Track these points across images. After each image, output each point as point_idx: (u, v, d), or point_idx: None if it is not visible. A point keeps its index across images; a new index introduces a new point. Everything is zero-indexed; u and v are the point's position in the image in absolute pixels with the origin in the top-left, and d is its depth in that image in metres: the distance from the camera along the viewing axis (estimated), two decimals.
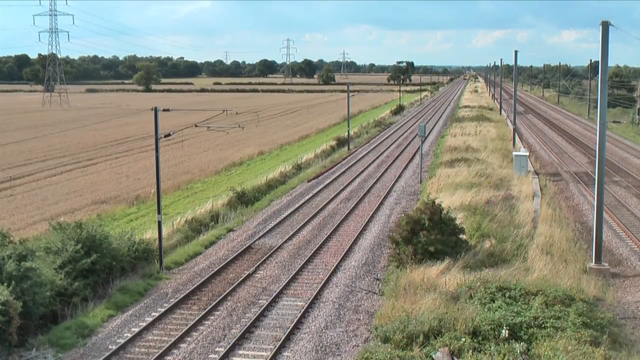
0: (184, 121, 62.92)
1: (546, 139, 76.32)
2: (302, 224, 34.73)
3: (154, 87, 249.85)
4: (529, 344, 18.03)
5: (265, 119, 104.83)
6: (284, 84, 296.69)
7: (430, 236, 25.76)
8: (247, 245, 30.84)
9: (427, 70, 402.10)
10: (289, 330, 20.68)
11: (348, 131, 70.98)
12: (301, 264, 27.54)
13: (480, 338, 18.39)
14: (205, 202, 39.15)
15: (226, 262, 28.04)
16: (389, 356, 17.49)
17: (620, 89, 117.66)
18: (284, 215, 36.90)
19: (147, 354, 19.35)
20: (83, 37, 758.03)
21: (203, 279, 25.75)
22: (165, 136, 28.88)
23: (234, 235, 33.05)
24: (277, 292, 24.25)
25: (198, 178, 51.48)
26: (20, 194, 45.17)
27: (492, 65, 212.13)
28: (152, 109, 27.48)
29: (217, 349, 19.72)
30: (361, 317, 22.03)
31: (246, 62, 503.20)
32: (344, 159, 60.16)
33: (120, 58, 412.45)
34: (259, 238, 32.26)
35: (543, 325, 18.85)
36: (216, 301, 23.33)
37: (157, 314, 22.33)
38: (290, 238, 32.17)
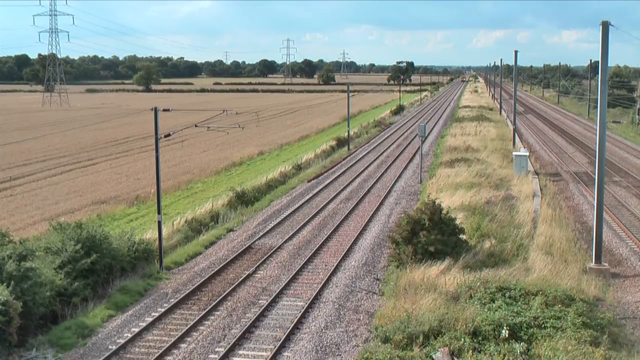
0: (184, 121, 62.96)
1: (546, 139, 76.31)
2: (302, 224, 34.72)
3: (154, 87, 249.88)
4: (529, 344, 18.02)
5: (265, 119, 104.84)
6: (284, 84, 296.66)
7: (430, 236, 25.74)
8: (247, 245, 30.84)
9: (427, 71, 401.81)
10: (289, 331, 20.68)
11: (348, 131, 70.98)
12: (301, 264, 27.54)
13: (480, 338, 18.39)
14: (205, 202, 39.15)
15: (226, 262, 28.04)
16: (389, 356, 17.49)
17: (620, 89, 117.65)
18: (284, 215, 36.90)
19: (147, 354, 19.35)
20: (83, 37, 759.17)
21: (203, 279, 25.75)
22: (165, 136, 28.87)
23: (234, 235, 33.05)
24: (277, 292, 24.25)
25: (198, 178, 51.47)
26: (20, 194, 45.16)
27: (492, 65, 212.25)
28: (152, 109, 27.48)
29: (217, 349, 19.72)
30: (361, 317, 22.02)
31: (246, 62, 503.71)
32: (344, 159, 60.16)
33: (120, 58, 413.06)
34: (259, 238, 32.26)
35: (543, 325, 18.85)
36: (216, 301, 23.33)
37: (157, 314, 22.33)
38: (290, 238, 32.17)
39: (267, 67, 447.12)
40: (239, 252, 29.64)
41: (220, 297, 23.71)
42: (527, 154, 50.18)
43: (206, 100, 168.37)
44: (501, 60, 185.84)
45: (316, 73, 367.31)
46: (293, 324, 21.20)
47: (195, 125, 36.54)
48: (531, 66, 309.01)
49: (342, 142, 69.19)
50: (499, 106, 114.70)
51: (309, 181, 48.60)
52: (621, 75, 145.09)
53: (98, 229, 25.51)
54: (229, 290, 24.48)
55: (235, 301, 23.67)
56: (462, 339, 18.20)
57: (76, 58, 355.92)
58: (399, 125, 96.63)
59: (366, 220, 35.14)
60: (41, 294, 20.33)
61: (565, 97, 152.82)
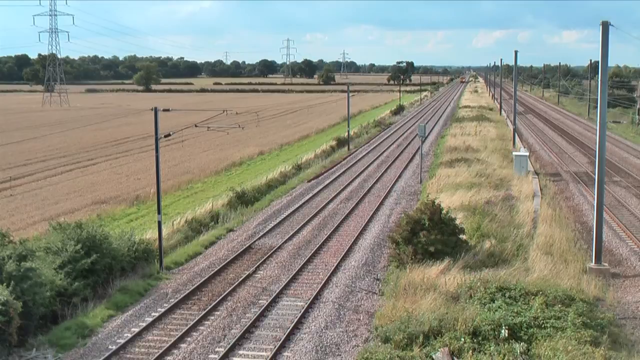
0: (184, 121, 62.92)
1: (546, 139, 76.32)
2: (302, 224, 34.72)
3: (154, 87, 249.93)
4: (529, 344, 18.03)
5: (265, 119, 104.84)
6: (284, 84, 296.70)
7: (430, 236, 25.75)
8: (247, 245, 30.84)
9: (427, 71, 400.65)
10: (289, 331, 20.68)
11: (348, 131, 70.99)
12: (301, 264, 27.54)
13: (480, 338, 18.40)
14: (205, 202, 39.14)
15: (226, 262, 28.04)
16: (389, 356, 17.49)
17: (620, 89, 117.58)
18: (284, 215, 36.90)
19: (147, 354, 19.35)
20: (83, 37, 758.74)
21: (203, 279, 25.75)
22: (165, 136, 28.88)
23: (234, 236, 33.05)
24: (277, 292, 24.25)
25: (198, 178, 51.48)
26: (20, 194, 45.16)
27: (492, 65, 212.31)
28: (152, 109, 27.47)
29: (217, 349, 19.72)
30: (361, 317, 22.03)
31: (246, 62, 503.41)
32: (344, 159, 60.16)
33: (120, 58, 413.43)
34: (259, 238, 32.26)
35: (543, 326, 18.85)
36: (216, 301, 23.33)
37: (157, 314, 22.33)
38: (290, 238, 32.17)
39: (267, 67, 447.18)
40: (239, 252, 29.64)
41: (220, 297, 23.71)
42: (527, 154, 50.20)
43: (206, 100, 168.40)
44: (501, 60, 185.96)
45: (316, 73, 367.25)
46: (293, 324, 21.20)
47: (195, 125, 36.56)
48: (531, 66, 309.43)
49: (342, 142, 69.19)
50: (499, 106, 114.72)
51: (309, 181, 48.61)
52: (621, 75, 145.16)
53: (98, 229, 25.52)
54: (229, 290, 24.47)
55: (235, 301, 23.68)
56: (462, 339, 18.21)
57: (76, 58, 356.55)
58: (399, 126, 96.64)
59: (366, 221, 35.14)
60: (41, 294, 20.32)
61: (565, 97, 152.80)
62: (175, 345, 19.87)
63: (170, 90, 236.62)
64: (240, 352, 19.58)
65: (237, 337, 20.14)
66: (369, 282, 25.72)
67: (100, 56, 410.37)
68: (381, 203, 39.84)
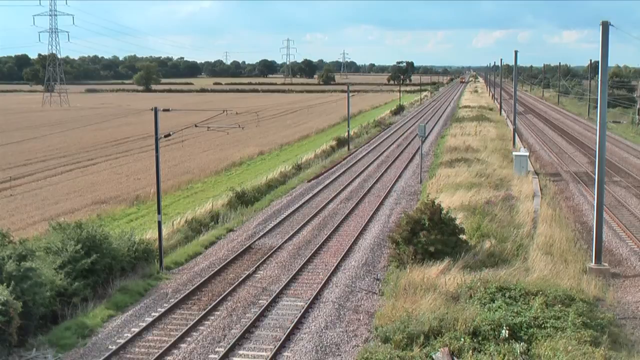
0: (184, 121, 62.89)
1: (546, 139, 76.32)
2: (302, 224, 34.73)
3: (154, 87, 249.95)
4: (529, 344, 18.03)
5: (265, 119, 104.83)
6: (284, 84, 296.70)
7: (430, 236, 25.75)
8: (247, 245, 30.84)
9: (427, 71, 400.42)
10: (289, 331, 20.68)
11: (348, 131, 70.99)
12: (301, 264, 27.54)
13: (480, 338, 18.40)
14: (205, 202, 39.14)
15: (226, 262, 28.05)
16: (389, 356, 17.49)
17: (620, 89, 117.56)
18: (284, 215, 36.90)
19: (147, 354, 19.35)
20: (83, 37, 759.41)
21: (203, 279, 25.76)
22: (165, 136, 28.88)
23: (234, 236, 33.05)
24: (277, 292, 24.25)
25: (198, 178, 51.48)
26: (20, 194, 45.16)
27: (492, 65, 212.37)
28: (152, 109, 27.48)
29: (217, 349, 19.72)
30: (361, 317, 22.03)
31: (246, 62, 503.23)
32: (344, 159, 60.17)
33: (120, 58, 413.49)
34: (259, 238, 32.26)
35: (543, 326, 18.86)
36: (216, 301, 23.33)
37: (157, 314, 22.34)
38: (290, 238, 32.17)
39: (267, 67, 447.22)
40: (239, 252, 29.64)
41: (220, 297, 23.71)
42: (527, 154, 50.19)
43: (206, 100, 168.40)
44: (501, 60, 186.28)
45: (316, 73, 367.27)
46: (293, 324, 21.20)
47: (195, 125, 36.56)
48: (531, 66, 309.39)
49: (342, 142, 69.19)
50: (499, 106, 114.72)
51: (309, 181, 48.61)
52: (621, 75, 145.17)
53: (98, 229, 25.52)
54: (229, 290, 24.48)
55: (235, 301, 23.68)
56: (462, 339, 18.21)
57: (76, 58, 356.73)
58: (399, 126, 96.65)
59: (366, 221, 35.14)
60: (41, 294, 20.32)
61: (565, 97, 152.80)
62: (175, 345, 19.88)
63: (170, 90, 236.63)
64: (240, 352, 19.58)
65: (237, 337, 20.14)
66: (369, 282, 25.72)
67: (100, 56, 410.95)
68: (381, 203, 39.84)
